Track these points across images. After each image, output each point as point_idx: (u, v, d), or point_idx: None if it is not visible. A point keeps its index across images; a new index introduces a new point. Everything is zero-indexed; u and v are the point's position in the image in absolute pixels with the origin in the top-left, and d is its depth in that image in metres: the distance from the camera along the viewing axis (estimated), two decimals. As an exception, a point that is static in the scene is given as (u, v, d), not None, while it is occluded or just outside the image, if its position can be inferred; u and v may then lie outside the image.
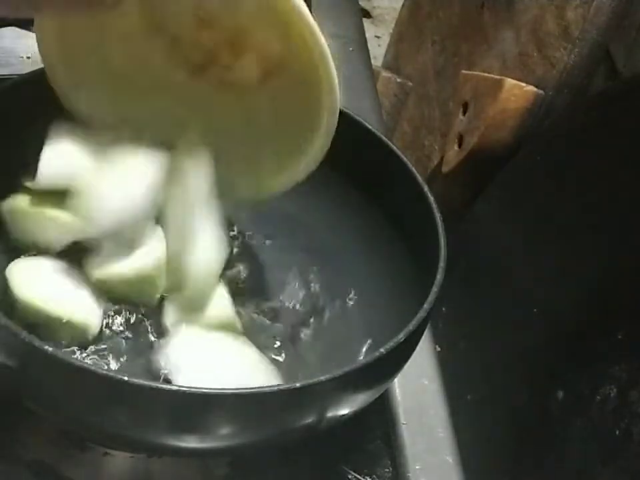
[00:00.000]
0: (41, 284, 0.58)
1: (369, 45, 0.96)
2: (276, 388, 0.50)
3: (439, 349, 0.70)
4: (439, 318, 0.81)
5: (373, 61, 0.96)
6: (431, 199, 0.60)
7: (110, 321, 0.59)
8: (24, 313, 0.56)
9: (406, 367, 0.57)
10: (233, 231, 0.67)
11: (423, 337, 0.56)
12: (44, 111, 0.64)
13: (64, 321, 0.56)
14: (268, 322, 0.63)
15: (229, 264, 0.63)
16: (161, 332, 0.59)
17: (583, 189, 0.77)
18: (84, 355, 0.58)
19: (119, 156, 0.58)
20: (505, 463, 0.72)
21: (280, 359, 0.61)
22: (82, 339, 0.57)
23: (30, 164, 0.63)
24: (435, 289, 0.55)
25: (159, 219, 0.59)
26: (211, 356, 0.57)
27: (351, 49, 0.94)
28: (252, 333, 0.61)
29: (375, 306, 0.64)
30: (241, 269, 0.65)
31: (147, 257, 0.59)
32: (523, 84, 0.85)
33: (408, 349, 0.56)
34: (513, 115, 0.86)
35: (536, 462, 0.70)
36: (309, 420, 0.51)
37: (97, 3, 0.51)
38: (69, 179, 0.58)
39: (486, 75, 0.91)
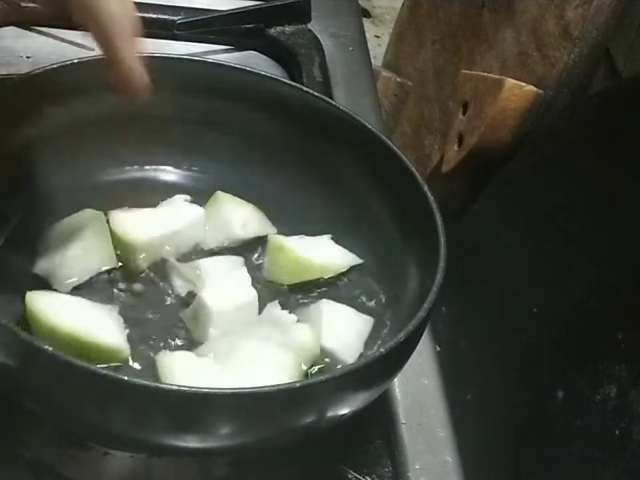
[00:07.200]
0: (67, 312, 0.57)
1: (369, 45, 0.96)
2: (276, 388, 0.50)
3: (438, 348, 0.70)
4: (438, 318, 0.81)
5: (373, 61, 0.96)
6: (431, 198, 0.60)
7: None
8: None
9: (406, 366, 0.56)
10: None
11: (423, 337, 0.56)
12: (43, 110, 0.64)
13: (96, 344, 0.56)
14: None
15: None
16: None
17: (583, 188, 0.77)
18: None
19: None
20: (504, 463, 0.72)
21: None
22: (116, 361, 0.57)
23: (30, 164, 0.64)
24: (435, 288, 0.55)
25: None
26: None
27: (350, 48, 0.94)
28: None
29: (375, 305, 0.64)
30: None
31: None
32: (523, 84, 0.86)
33: (408, 349, 0.56)
34: (512, 114, 0.86)
35: (536, 462, 0.70)
36: (309, 420, 0.51)
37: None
38: None
39: (486, 74, 0.91)
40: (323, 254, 0.65)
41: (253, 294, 0.61)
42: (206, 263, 0.64)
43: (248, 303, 0.61)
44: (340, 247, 0.66)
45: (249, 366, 0.56)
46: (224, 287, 0.61)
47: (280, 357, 0.56)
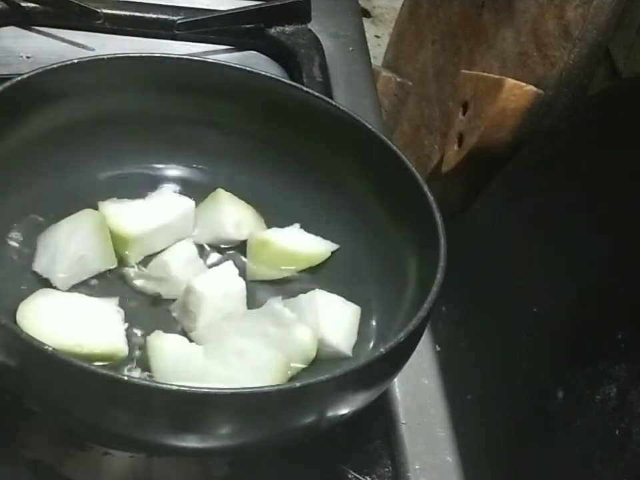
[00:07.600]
0: (56, 323, 0.57)
1: (369, 45, 0.96)
2: (276, 388, 0.50)
3: (438, 348, 0.70)
4: (438, 318, 0.81)
5: (373, 61, 0.96)
6: (431, 198, 0.60)
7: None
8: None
9: (406, 366, 0.57)
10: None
11: (423, 337, 0.56)
12: (43, 110, 0.64)
13: (88, 354, 0.56)
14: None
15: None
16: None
17: (583, 188, 0.77)
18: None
19: None
20: (505, 463, 0.72)
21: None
22: (114, 361, 0.57)
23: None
24: (434, 288, 0.55)
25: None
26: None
27: (351, 48, 0.94)
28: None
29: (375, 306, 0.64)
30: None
31: None
32: (523, 84, 0.86)
33: (408, 349, 0.56)
34: (512, 114, 0.86)
35: (536, 462, 0.70)
36: (309, 420, 0.51)
37: None
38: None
39: (486, 74, 0.91)
40: (302, 243, 0.66)
41: (241, 283, 0.62)
42: (167, 257, 0.63)
43: (237, 291, 0.61)
44: (312, 235, 0.67)
45: (232, 361, 0.56)
46: (212, 276, 0.62)
47: (264, 357, 0.56)
